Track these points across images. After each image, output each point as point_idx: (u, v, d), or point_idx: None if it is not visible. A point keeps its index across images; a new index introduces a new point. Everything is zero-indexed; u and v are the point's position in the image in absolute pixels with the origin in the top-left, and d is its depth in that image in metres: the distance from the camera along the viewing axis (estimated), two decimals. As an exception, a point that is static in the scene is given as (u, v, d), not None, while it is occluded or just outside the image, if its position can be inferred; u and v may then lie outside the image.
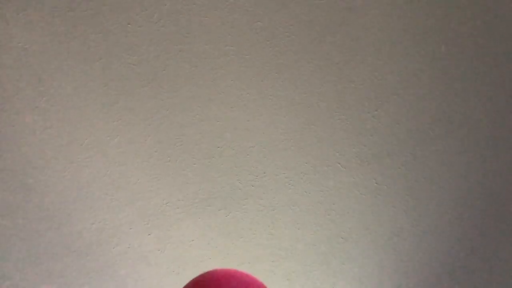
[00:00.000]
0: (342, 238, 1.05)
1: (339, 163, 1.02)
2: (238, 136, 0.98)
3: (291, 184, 1.02)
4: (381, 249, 1.06)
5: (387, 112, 1.00)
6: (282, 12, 0.95)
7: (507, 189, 1.06)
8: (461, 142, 1.03)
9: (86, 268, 0.98)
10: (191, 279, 0.70)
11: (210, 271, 0.70)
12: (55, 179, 0.94)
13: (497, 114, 1.03)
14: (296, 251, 1.05)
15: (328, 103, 0.99)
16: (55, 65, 0.91)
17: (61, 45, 0.91)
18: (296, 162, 1.01)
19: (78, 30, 0.91)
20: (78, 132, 0.94)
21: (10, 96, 0.91)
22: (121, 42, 0.92)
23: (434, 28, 0.98)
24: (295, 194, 1.02)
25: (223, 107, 0.97)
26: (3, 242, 0.94)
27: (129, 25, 0.92)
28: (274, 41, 0.96)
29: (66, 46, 0.91)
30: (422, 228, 1.06)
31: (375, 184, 1.03)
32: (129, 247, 0.99)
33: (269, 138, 0.99)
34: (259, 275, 1.04)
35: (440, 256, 1.08)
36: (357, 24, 0.97)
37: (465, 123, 1.02)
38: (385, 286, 1.08)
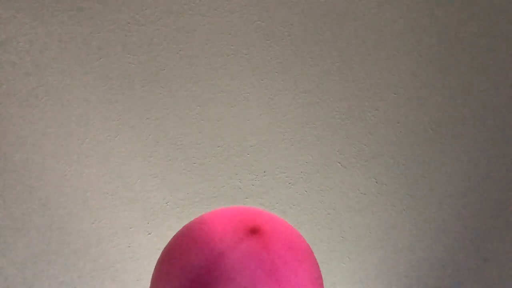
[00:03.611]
0: (342, 237, 1.05)
1: (339, 163, 1.02)
2: (238, 135, 0.98)
3: (291, 184, 1.01)
4: (381, 248, 1.06)
5: (387, 111, 1.00)
6: (282, 12, 0.95)
7: (507, 189, 1.06)
8: (461, 142, 1.03)
9: (86, 268, 0.98)
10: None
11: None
12: (55, 179, 0.94)
13: (498, 114, 1.03)
14: (296, 251, 1.04)
15: (328, 102, 0.99)
16: (55, 65, 0.91)
17: (61, 45, 0.91)
18: (296, 162, 1.01)
19: (78, 30, 0.91)
20: (78, 132, 0.94)
21: (10, 95, 0.90)
22: (121, 42, 0.92)
23: (435, 28, 0.98)
24: (295, 193, 1.02)
25: (223, 107, 0.97)
26: (2, 241, 0.94)
27: (129, 25, 0.92)
28: (274, 40, 0.96)
29: (66, 46, 0.91)
30: (422, 228, 1.06)
31: (375, 184, 1.03)
32: (129, 247, 0.99)
33: (269, 138, 0.99)
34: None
35: (440, 256, 1.08)
36: (357, 23, 0.97)
37: (465, 123, 1.03)
38: (385, 286, 1.08)
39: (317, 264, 0.52)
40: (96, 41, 0.91)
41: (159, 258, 0.53)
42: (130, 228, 0.99)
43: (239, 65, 0.96)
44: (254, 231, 0.47)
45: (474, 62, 1.00)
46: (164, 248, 0.53)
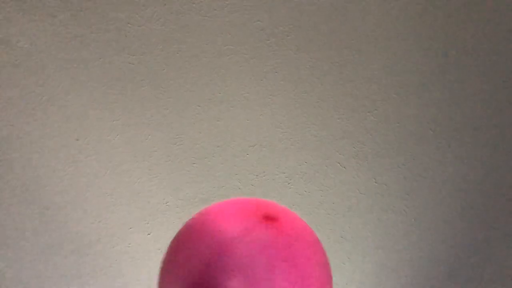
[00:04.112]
0: (342, 238, 1.05)
1: (339, 163, 1.02)
2: (238, 135, 0.98)
3: (291, 184, 1.01)
4: (381, 249, 1.06)
5: (387, 112, 1.00)
6: (282, 12, 0.95)
7: (507, 189, 1.06)
8: (461, 142, 1.03)
9: (86, 268, 0.98)
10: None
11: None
12: (55, 179, 0.94)
13: (498, 114, 1.03)
14: (296, 251, 1.04)
15: (327, 102, 0.99)
16: (55, 65, 0.91)
17: (61, 45, 0.91)
18: (296, 162, 1.01)
19: (78, 30, 0.91)
20: (78, 132, 0.94)
21: (10, 96, 0.91)
22: (121, 42, 0.92)
23: (435, 28, 0.98)
24: (295, 193, 1.02)
25: (223, 107, 0.97)
26: (2, 241, 0.94)
27: (129, 25, 0.92)
28: (274, 40, 0.96)
29: (66, 46, 0.91)
30: (422, 228, 1.06)
31: (375, 184, 1.03)
32: (129, 247, 0.99)
33: (269, 138, 0.99)
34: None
35: (440, 256, 1.08)
36: (357, 23, 0.97)
37: (465, 123, 1.02)
38: (385, 286, 1.08)
39: (326, 254, 0.52)
40: (96, 41, 0.91)
41: (168, 247, 0.52)
42: (130, 228, 0.99)
43: (239, 65, 0.96)
44: (268, 218, 0.46)
45: (474, 63, 1.00)
46: (174, 237, 0.52)
